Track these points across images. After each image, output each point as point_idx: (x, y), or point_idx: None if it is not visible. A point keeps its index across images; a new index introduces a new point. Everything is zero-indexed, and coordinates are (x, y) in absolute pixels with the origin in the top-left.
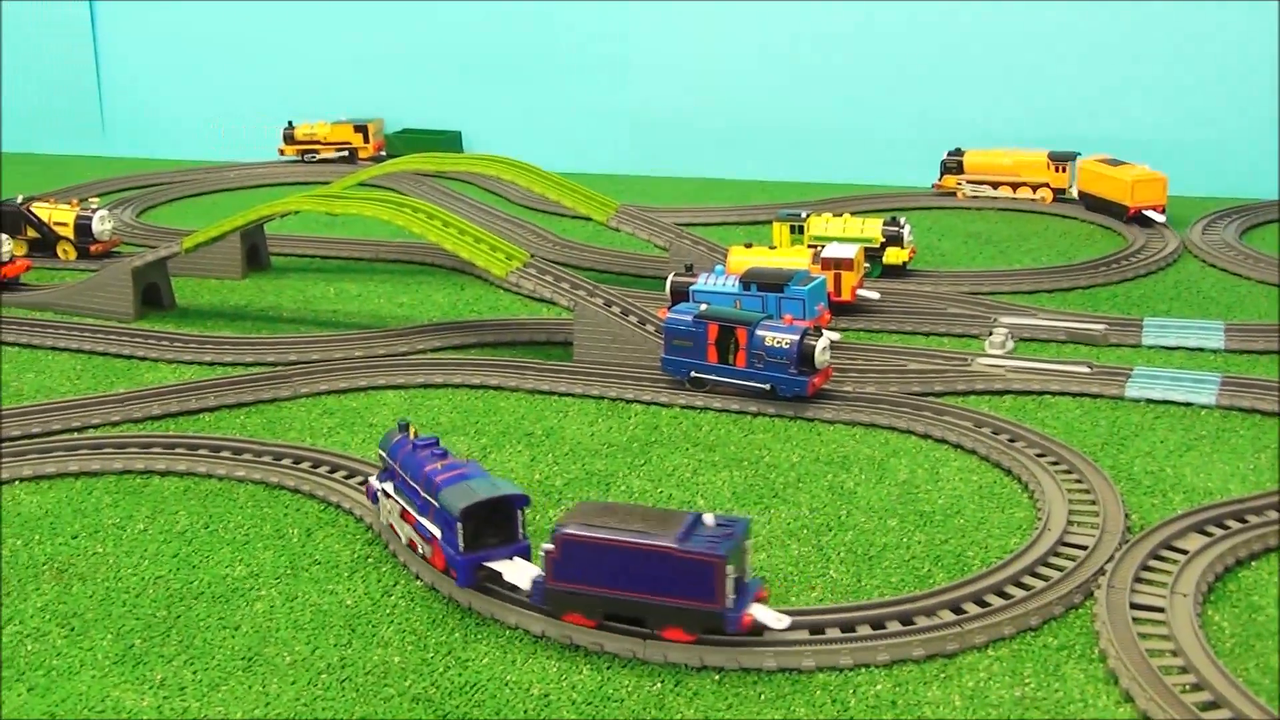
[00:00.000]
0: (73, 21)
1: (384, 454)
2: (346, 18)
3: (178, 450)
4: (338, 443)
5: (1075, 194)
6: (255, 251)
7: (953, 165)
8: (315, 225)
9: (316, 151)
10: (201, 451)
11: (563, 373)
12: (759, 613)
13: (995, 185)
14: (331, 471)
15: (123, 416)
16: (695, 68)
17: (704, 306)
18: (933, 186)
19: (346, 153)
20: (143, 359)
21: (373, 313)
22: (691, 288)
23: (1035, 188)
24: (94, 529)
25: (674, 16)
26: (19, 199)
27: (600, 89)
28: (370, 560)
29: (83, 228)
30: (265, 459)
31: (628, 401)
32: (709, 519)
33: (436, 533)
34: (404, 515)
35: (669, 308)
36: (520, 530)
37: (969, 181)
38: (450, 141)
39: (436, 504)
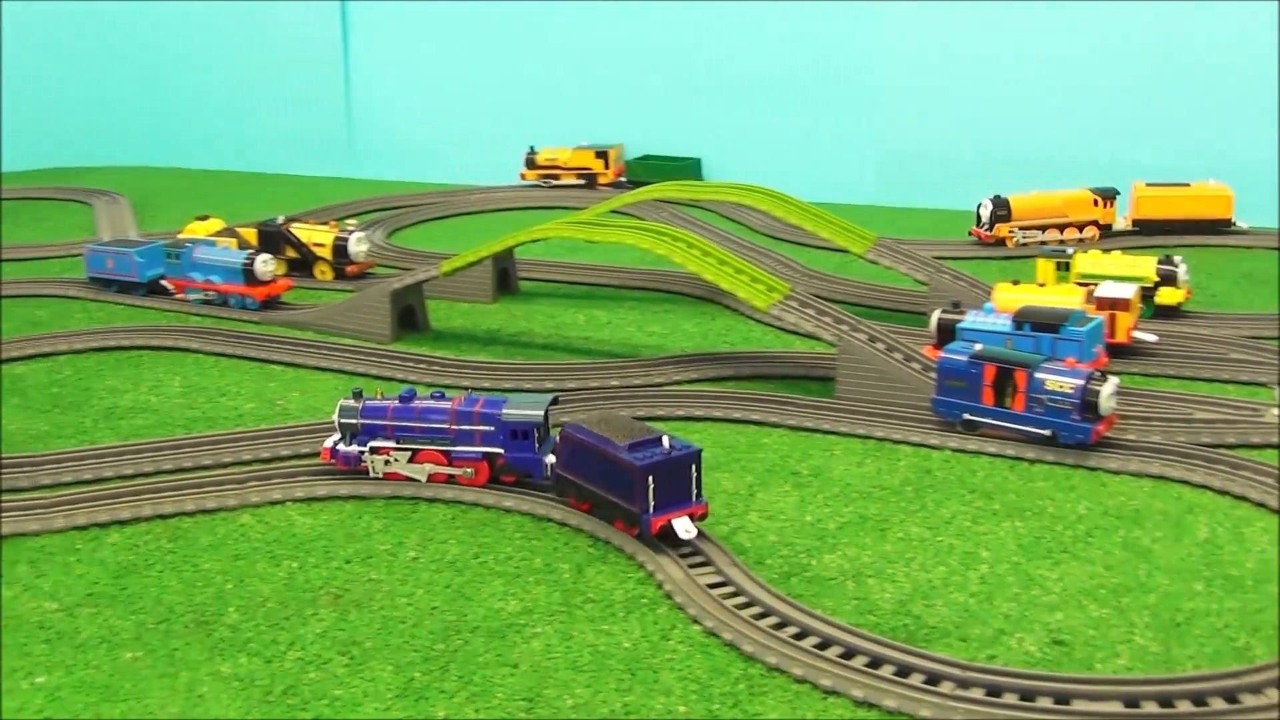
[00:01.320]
0: (325, 49)
1: (355, 420)
2: (590, 44)
3: None
4: None
5: (1128, 224)
6: (505, 276)
7: (1002, 214)
8: (560, 250)
9: (557, 176)
10: None
11: (826, 410)
12: (676, 523)
13: (1044, 228)
14: None
15: None
16: (942, 97)
17: (978, 346)
18: (971, 234)
19: (586, 179)
20: (402, 381)
21: (624, 341)
22: (959, 325)
23: (1082, 226)
24: (366, 554)
25: (918, 46)
26: (280, 219)
27: (835, 117)
28: (644, 601)
29: (340, 249)
30: (531, 489)
31: (895, 442)
32: (665, 440)
33: (496, 450)
34: (415, 458)
35: (935, 345)
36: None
37: (1020, 228)
38: (690, 168)
39: (492, 426)
